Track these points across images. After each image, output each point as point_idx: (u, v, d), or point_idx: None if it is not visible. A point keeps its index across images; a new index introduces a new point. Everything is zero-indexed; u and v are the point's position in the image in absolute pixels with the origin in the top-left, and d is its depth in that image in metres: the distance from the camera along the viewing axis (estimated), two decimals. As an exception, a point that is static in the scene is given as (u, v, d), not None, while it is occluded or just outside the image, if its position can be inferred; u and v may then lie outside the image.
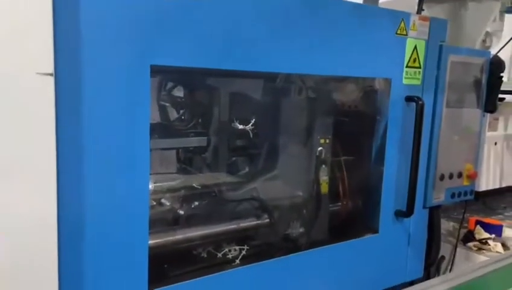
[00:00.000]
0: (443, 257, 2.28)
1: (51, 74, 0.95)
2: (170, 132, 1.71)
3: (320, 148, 1.79)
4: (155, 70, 1.17)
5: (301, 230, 1.84)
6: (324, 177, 1.82)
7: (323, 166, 1.81)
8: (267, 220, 1.77)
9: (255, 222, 1.75)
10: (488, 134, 2.73)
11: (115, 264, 1.15)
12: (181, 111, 1.79)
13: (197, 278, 1.34)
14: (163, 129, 1.72)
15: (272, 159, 1.86)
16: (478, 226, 2.46)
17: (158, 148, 1.62)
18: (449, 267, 2.35)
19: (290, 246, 1.75)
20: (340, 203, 1.92)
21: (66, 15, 0.98)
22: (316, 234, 1.81)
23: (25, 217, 0.97)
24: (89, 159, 1.06)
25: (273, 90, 1.79)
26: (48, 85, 0.95)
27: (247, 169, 1.87)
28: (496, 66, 2.07)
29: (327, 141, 1.80)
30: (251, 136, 1.73)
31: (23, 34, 0.91)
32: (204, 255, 1.63)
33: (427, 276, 2.10)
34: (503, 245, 2.39)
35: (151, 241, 1.42)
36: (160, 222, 1.60)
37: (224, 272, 1.43)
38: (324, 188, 1.82)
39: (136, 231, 1.19)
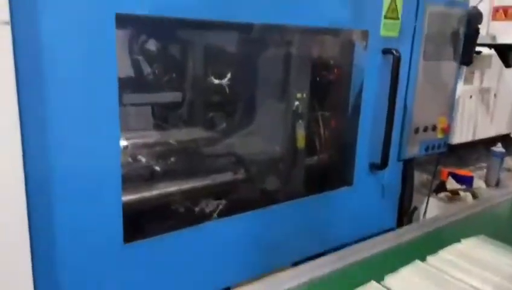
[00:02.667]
0: (416, 208, 2.35)
1: (7, 23, 0.89)
2: (144, 86, 1.66)
3: (296, 103, 1.77)
4: (123, 20, 1.12)
5: (278, 184, 1.86)
6: (301, 132, 1.81)
7: (300, 121, 1.80)
8: (244, 174, 1.78)
9: (231, 177, 1.76)
10: (464, 87, 2.76)
11: (88, 220, 1.14)
12: (155, 65, 1.74)
13: (172, 232, 1.35)
14: (136, 84, 1.68)
15: (248, 114, 1.84)
16: (450, 178, 2.54)
17: (131, 104, 1.58)
18: (421, 217, 2.43)
19: (267, 200, 1.77)
20: (316, 157, 1.94)
21: (20, -43, 0.91)
22: (292, 188, 1.84)
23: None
24: (54, 115, 1.02)
25: (248, 43, 1.74)
26: (5, 34, 0.89)
27: (223, 124, 1.85)
28: (474, 18, 2.04)
29: (304, 95, 1.79)
30: (227, 91, 1.70)
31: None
32: (182, 209, 1.64)
33: (400, 226, 2.17)
34: (473, 195, 2.48)
35: (127, 197, 1.43)
36: (136, 178, 1.59)
37: (199, 225, 1.43)
38: (301, 143, 1.82)
39: (109, 188, 1.18)
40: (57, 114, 1.04)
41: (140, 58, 1.72)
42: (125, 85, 1.51)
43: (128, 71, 1.66)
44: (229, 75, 1.72)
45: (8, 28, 0.89)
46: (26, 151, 0.98)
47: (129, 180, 1.53)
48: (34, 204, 1.02)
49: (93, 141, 1.12)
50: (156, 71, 1.73)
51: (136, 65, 1.73)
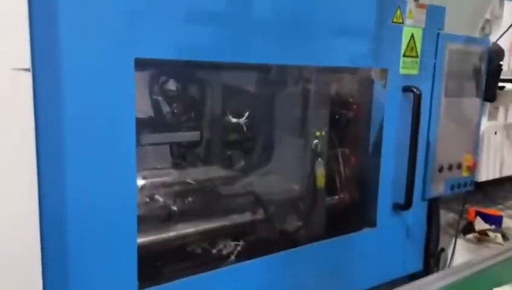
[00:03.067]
0: (443, 249, 2.25)
1: (27, 69, 0.91)
2: (162, 126, 1.67)
3: (315, 141, 1.74)
4: (144, 64, 1.13)
5: (297, 224, 1.81)
6: (320, 171, 1.78)
7: (319, 159, 1.77)
8: (262, 215, 1.73)
9: (250, 217, 1.72)
10: (488, 123, 2.68)
11: (101, 264, 1.11)
12: (173, 105, 1.75)
13: (189, 277, 1.30)
14: (155, 124, 1.68)
15: (266, 152, 1.82)
16: (478, 217, 2.43)
17: (149, 144, 1.58)
18: (449, 259, 2.32)
19: (287, 241, 1.72)
20: (337, 197, 1.89)
21: (43, 6, 0.94)
22: (312, 229, 1.78)
23: (4, 218, 0.93)
24: (71, 157, 1.02)
25: (266, 82, 1.75)
26: (25, 81, 0.91)
27: (241, 163, 1.83)
28: (495, 54, 2.02)
29: (323, 133, 1.76)
30: (245, 129, 1.69)
31: (-4, 27, 0.87)
32: (199, 251, 1.60)
33: (427, 268, 2.07)
34: (503, 236, 2.36)
35: (144, 239, 1.40)
36: (153, 219, 1.57)
37: (217, 270, 1.39)
38: (320, 182, 1.78)
39: (123, 229, 1.15)
40: (74, 154, 1.03)
41: (159, 98, 1.74)
42: (143, 125, 1.52)
43: (146, 111, 1.68)
44: (246, 114, 1.71)
45: (29, 74, 0.91)
46: (41, 192, 0.98)
47: (145, 221, 1.51)
48: (48, 246, 1.01)
49: (109, 182, 1.10)
50: (175, 111, 1.74)
51: (154, 105, 1.75)
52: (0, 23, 0.87)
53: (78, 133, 1.03)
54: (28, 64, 0.91)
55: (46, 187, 0.99)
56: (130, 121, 1.11)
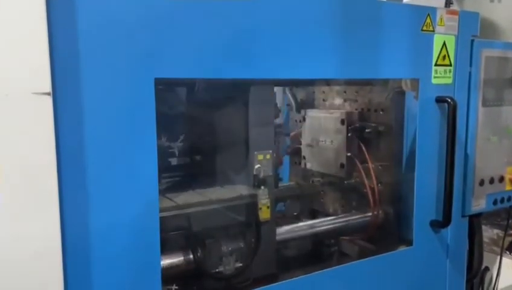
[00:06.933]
0: (487, 268, 2.11)
1: (48, 94, 0.91)
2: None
3: (257, 166, 1.45)
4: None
5: (237, 265, 1.45)
6: (264, 201, 1.46)
7: (263, 187, 1.46)
8: (194, 255, 1.41)
9: (179, 258, 1.39)
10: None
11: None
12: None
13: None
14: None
15: (203, 180, 1.54)
16: (525, 234, 2.27)
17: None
18: (494, 279, 2.17)
19: (223, 285, 1.44)
20: (370, 214, 1.81)
21: (63, 31, 0.95)
22: (258, 269, 1.48)
23: (28, 242, 0.93)
24: (93, 180, 1.02)
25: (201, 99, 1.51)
26: (46, 105, 0.91)
27: (174, 193, 1.47)
28: (536, 59, 1.90)
29: (267, 156, 1.45)
30: (176, 154, 1.48)
31: (17, 52, 0.88)
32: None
33: (470, 290, 1.95)
34: (555, 254, 2.20)
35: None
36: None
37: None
38: (265, 214, 1.47)
39: (148, 251, 1.13)
40: (96, 178, 1.03)
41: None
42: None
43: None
44: (182, 137, 1.51)
45: (50, 98, 0.91)
46: (63, 218, 0.97)
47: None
48: (72, 271, 1.00)
49: (131, 201, 1.09)
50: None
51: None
52: (20, 48, 0.88)
53: (100, 156, 1.03)
54: (48, 88, 0.91)
55: (68, 213, 0.98)
56: (151, 140, 1.10)
